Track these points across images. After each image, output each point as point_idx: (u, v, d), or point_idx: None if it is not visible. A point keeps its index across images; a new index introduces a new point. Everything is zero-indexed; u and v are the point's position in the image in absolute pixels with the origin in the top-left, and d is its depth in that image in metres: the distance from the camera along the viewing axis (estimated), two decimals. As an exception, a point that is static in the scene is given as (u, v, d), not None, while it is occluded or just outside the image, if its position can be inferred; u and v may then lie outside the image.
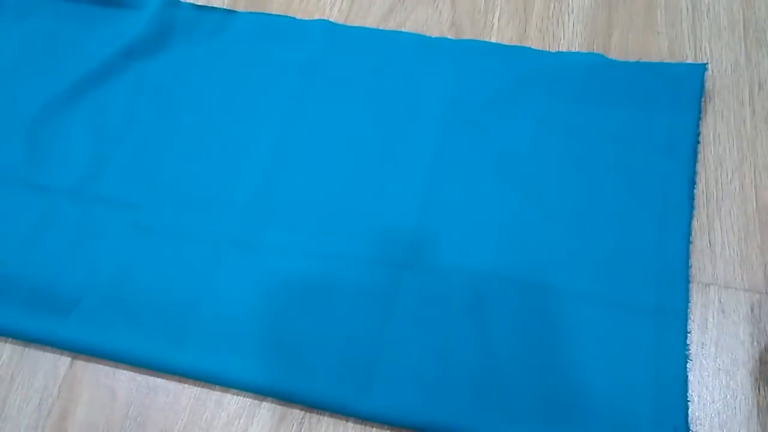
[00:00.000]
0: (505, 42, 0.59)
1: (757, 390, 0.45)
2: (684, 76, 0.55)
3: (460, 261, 0.50)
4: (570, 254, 0.50)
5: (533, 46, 0.59)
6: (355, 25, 0.61)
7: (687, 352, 0.46)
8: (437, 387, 0.46)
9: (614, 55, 0.57)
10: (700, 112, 0.54)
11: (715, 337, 0.47)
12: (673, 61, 0.57)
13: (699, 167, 0.52)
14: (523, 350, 0.47)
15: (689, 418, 0.44)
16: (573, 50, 0.58)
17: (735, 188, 0.52)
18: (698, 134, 0.53)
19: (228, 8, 0.63)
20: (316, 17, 0.62)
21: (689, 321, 0.47)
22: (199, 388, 0.48)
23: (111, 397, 0.48)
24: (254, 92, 0.59)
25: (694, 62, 0.56)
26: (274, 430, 0.47)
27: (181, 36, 0.62)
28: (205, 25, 0.62)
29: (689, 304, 0.48)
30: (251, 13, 0.63)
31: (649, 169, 0.52)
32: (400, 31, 0.60)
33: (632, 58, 0.57)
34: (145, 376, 0.49)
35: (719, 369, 0.46)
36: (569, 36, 0.59)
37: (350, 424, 0.46)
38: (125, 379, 0.49)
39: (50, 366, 0.50)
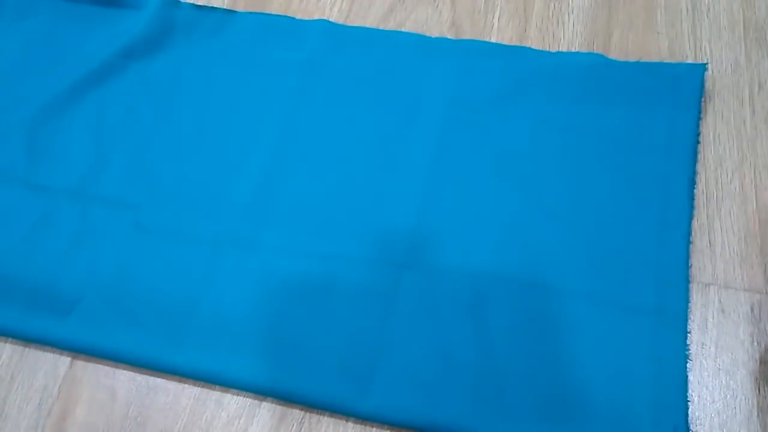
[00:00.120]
0: (505, 42, 0.59)
1: (757, 390, 0.45)
2: (684, 76, 0.55)
3: (460, 261, 0.50)
4: (570, 254, 0.50)
5: (533, 46, 0.59)
6: (355, 25, 0.61)
7: (687, 352, 0.46)
8: (437, 387, 0.46)
9: (614, 55, 0.57)
10: (700, 112, 0.54)
11: (715, 337, 0.47)
12: (673, 61, 0.57)
13: (699, 167, 0.52)
14: (523, 350, 0.47)
15: (689, 418, 0.44)
16: (573, 50, 0.58)
17: (735, 188, 0.52)
18: (698, 134, 0.53)
19: (228, 8, 0.63)
20: (316, 17, 0.62)
21: (689, 321, 0.47)
22: (199, 388, 0.48)
23: (111, 397, 0.48)
24: (254, 92, 0.59)
25: (694, 62, 0.56)
26: (274, 430, 0.47)
27: (181, 36, 0.62)
28: (205, 25, 0.62)
29: (689, 304, 0.48)
30: (251, 13, 0.63)
31: (649, 169, 0.52)
32: (400, 31, 0.60)
33: (632, 58, 0.57)
34: (145, 376, 0.49)
35: (719, 369, 0.46)
36: (569, 36, 0.59)
37: (350, 424, 0.46)
38: (125, 379, 0.49)
39: (50, 366, 0.50)
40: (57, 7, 0.64)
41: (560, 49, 0.59)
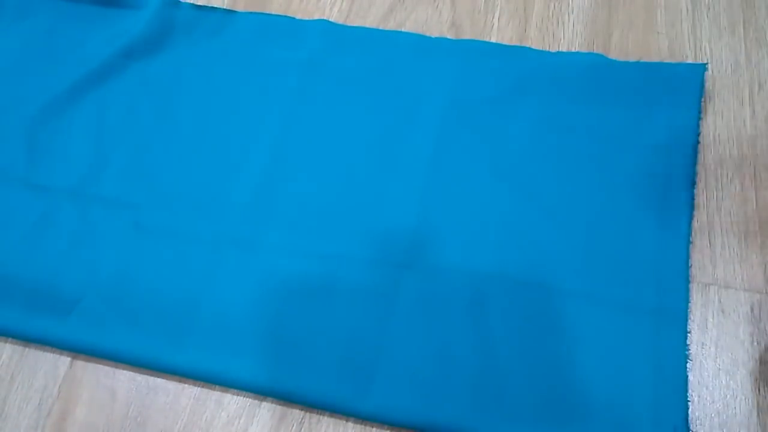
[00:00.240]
0: (505, 42, 0.59)
1: (757, 390, 0.45)
2: (684, 76, 0.55)
3: (460, 261, 0.50)
4: (570, 254, 0.50)
5: (533, 46, 0.59)
6: (355, 25, 0.61)
7: (687, 352, 0.46)
8: (437, 387, 0.46)
9: (614, 55, 0.57)
10: (700, 112, 0.54)
11: (715, 337, 0.47)
12: (673, 61, 0.57)
13: (699, 167, 0.52)
14: (523, 350, 0.47)
15: (689, 418, 0.44)
16: (573, 50, 0.58)
17: (735, 188, 0.52)
18: (698, 134, 0.53)
19: (228, 8, 0.63)
20: (316, 17, 0.62)
21: (689, 321, 0.47)
22: (199, 388, 0.48)
23: (111, 397, 0.48)
24: (254, 92, 0.59)
25: (694, 62, 0.56)
26: (274, 430, 0.47)
27: (181, 36, 0.62)
28: (205, 25, 0.62)
29: (689, 304, 0.48)
30: (251, 13, 0.63)
31: (649, 169, 0.52)
32: (400, 31, 0.60)
33: (632, 58, 0.57)
34: (145, 376, 0.49)
35: (719, 369, 0.46)
36: (569, 36, 0.59)
37: (350, 424, 0.46)
38: (125, 379, 0.49)
39: (50, 366, 0.50)
40: (57, 7, 0.64)
41: (560, 49, 0.59)
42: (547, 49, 0.59)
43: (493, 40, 0.60)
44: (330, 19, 0.61)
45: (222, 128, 0.57)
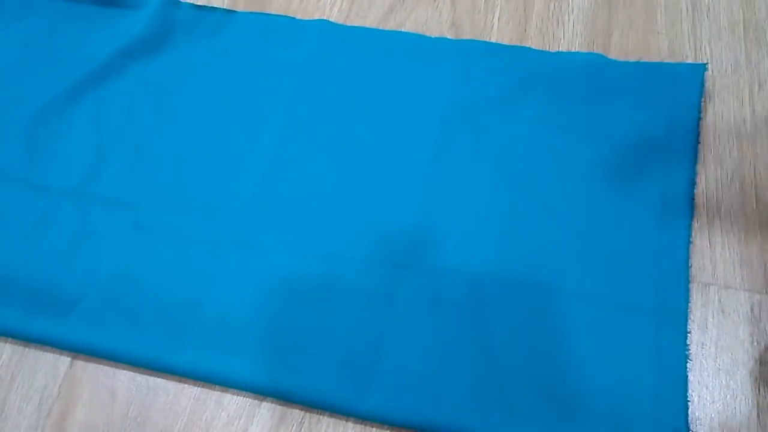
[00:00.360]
0: (505, 42, 0.59)
1: (757, 390, 0.45)
2: (684, 76, 0.55)
3: (460, 261, 0.50)
4: (570, 254, 0.50)
5: (533, 46, 0.59)
6: (355, 25, 0.61)
7: (687, 352, 0.46)
8: (437, 387, 0.46)
9: (614, 55, 0.57)
10: (700, 112, 0.54)
11: (715, 337, 0.47)
12: (673, 61, 0.57)
13: (699, 167, 0.52)
14: (523, 350, 0.47)
15: (689, 418, 0.44)
16: (573, 50, 0.58)
17: (735, 188, 0.52)
18: (698, 134, 0.53)
19: (228, 8, 0.63)
20: (316, 17, 0.62)
21: (689, 321, 0.47)
22: (199, 388, 0.48)
23: (111, 397, 0.48)
24: (254, 92, 0.59)
25: (694, 62, 0.56)
26: (274, 430, 0.47)
27: (181, 36, 0.62)
28: (205, 25, 0.62)
29: (689, 304, 0.48)
30: (251, 13, 0.63)
31: (649, 170, 0.52)
32: (400, 31, 0.60)
33: (632, 58, 0.57)
34: (145, 376, 0.49)
35: (719, 369, 0.46)
36: (569, 36, 0.59)
37: (350, 424, 0.46)
38: (125, 379, 0.49)
39: (50, 366, 0.50)
40: (57, 7, 0.64)
41: (560, 49, 0.59)
42: (547, 49, 0.59)
43: (493, 40, 0.60)
44: (330, 19, 0.61)
45: (222, 128, 0.57)
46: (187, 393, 0.48)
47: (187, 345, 0.48)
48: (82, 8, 0.64)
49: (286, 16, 0.62)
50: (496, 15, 0.61)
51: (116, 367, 0.49)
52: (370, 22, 0.62)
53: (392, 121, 0.56)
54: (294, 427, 0.47)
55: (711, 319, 0.48)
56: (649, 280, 0.48)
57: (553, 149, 0.54)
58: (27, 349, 0.50)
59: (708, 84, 0.55)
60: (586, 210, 0.51)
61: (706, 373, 0.46)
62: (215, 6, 0.64)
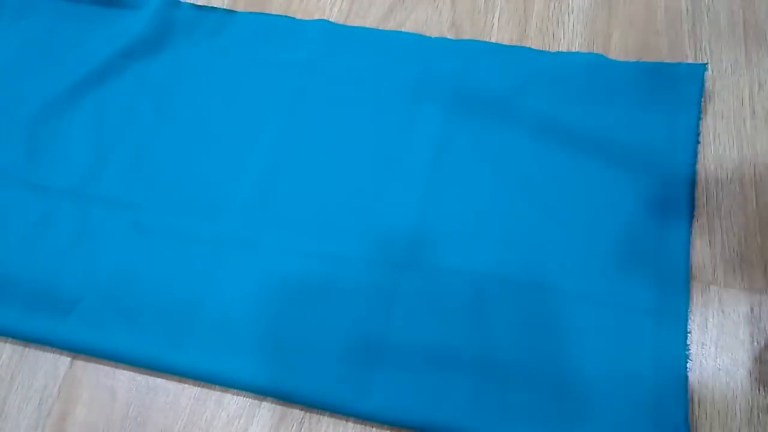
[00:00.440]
0: (505, 42, 0.59)
1: (757, 390, 0.45)
2: (684, 76, 0.55)
3: (460, 261, 0.50)
4: (570, 254, 0.50)
5: (533, 46, 0.59)
6: (355, 25, 0.61)
7: (687, 352, 0.46)
8: (437, 387, 0.46)
9: (614, 55, 0.57)
10: (700, 112, 0.54)
11: (715, 337, 0.47)
12: (673, 61, 0.57)
13: (699, 167, 0.52)
14: (523, 350, 0.47)
15: (689, 418, 0.44)
16: (573, 50, 0.58)
17: (735, 188, 0.52)
18: (698, 134, 0.53)
19: (228, 8, 0.63)
20: (316, 17, 0.62)
21: (689, 321, 0.47)
22: (199, 388, 0.48)
23: (111, 397, 0.48)
24: (254, 92, 0.59)
25: (694, 62, 0.56)
26: (274, 430, 0.47)
27: (181, 36, 0.62)
28: (205, 25, 0.62)
29: (689, 304, 0.48)
30: (251, 13, 0.63)
31: (649, 170, 0.52)
32: (400, 31, 0.60)
33: (632, 58, 0.57)
34: (145, 376, 0.49)
35: (719, 369, 0.46)
36: (569, 36, 0.59)
37: (350, 424, 0.46)
38: (125, 379, 0.49)
39: (50, 366, 0.50)
40: (57, 7, 0.64)
41: (560, 49, 0.59)
42: (547, 49, 0.59)
43: (493, 40, 0.60)
44: (330, 19, 0.61)
45: (222, 128, 0.57)
46: (187, 393, 0.48)
47: (187, 345, 0.48)
48: (82, 8, 0.64)
49: (286, 16, 0.62)
50: (496, 15, 0.61)
51: (116, 367, 0.49)
52: (370, 22, 0.62)
53: (392, 121, 0.56)
54: (294, 427, 0.47)
55: (711, 319, 0.48)
56: (649, 280, 0.48)
57: (553, 149, 0.54)
58: (27, 349, 0.51)
59: (708, 84, 0.55)
60: (585, 209, 0.51)
61: (706, 373, 0.46)
62: (215, 6, 0.64)
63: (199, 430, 0.47)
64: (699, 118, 0.53)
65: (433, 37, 0.60)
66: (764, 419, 0.44)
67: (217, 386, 0.48)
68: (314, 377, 0.47)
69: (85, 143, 0.57)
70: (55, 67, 0.61)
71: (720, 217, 0.51)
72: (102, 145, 0.57)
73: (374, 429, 0.46)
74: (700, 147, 0.53)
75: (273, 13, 0.63)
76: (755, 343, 0.47)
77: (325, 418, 0.47)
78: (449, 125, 0.55)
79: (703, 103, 0.54)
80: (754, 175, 0.52)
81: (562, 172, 0.53)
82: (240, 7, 0.64)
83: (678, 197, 0.51)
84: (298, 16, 0.62)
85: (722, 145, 0.53)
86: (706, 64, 0.56)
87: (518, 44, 0.59)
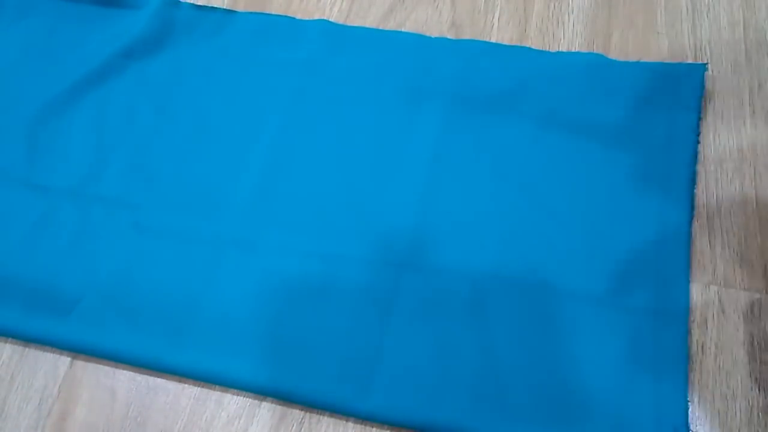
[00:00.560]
0: (505, 42, 0.59)
1: (756, 390, 0.45)
2: (684, 76, 0.55)
3: (460, 261, 0.50)
4: (570, 254, 0.50)
5: (533, 46, 0.59)
6: (355, 25, 0.61)
7: (687, 352, 0.46)
8: (437, 387, 0.46)
9: (614, 55, 0.57)
10: (700, 112, 0.54)
11: (715, 337, 0.47)
12: (673, 61, 0.57)
13: (699, 167, 0.52)
14: (523, 350, 0.47)
15: (689, 418, 0.44)
16: (573, 50, 0.58)
17: (735, 188, 0.52)
18: (698, 134, 0.53)
19: (228, 8, 0.63)
20: (316, 17, 0.62)
21: (689, 321, 0.47)
22: (199, 388, 0.48)
23: (111, 397, 0.48)
24: (254, 92, 0.59)
25: (694, 62, 0.56)
26: (274, 430, 0.47)
27: (181, 36, 0.62)
28: (205, 25, 0.62)
29: (689, 304, 0.48)
30: (251, 13, 0.63)
31: (649, 169, 0.52)
32: (400, 31, 0.60)
33: (632, 58, 0.57)
34: (145, 376, 0.49)
35: (719, 369, 0.46)
36: (569, 36, 0.59)
37: (350, 424, 0.46)
38: (125, 379, 0.49)
39: (50, 366, 0.50)
40: (57, 7, 0.64)
41: (560, 49, 0.59)
42: (547, 49, 0.59)
43: (493, 40, 0.60)
44: (330, 19, 0.61)
45: (222, 128, 0.57)
46: (187, 393, 0.48)
47: (186, 345, 0.48)
48: (82, 8, 0.64)
49: (286, 16, 0.62)
50: (496, 15, 0.61)
51: (116, 367, 0.49)
52: (370, 22, 0.62)
53: (392, 121, 0.56)
54: (294, 427, 0.47)
55: (711, 319, 0.48)
56: (649, 280, 0.48)
57: (553, 149, 0.54)
58: (27, 349, 0.51)
59: (708, 84, 0.55)
60: (585, 210, 0.51)
61: (706, 373, 0.46)
62: (215, 6, 0.64)
63: (199, 430, 0.47)
64: (699, 118, 0.54)
65: (433, 37, 0.60)
66: (764, 419, 0.44)
67: (217, 386, 0.48)
68: (314, 377, 0.47)
69: (85, 143, 0.57)
70: (55, 67, 0.61)
71: (720, 217, 0.51)
72: (102, 145, 0.57)
73: (374, 429, 0.46)
74: (700, 147, 0.53)
75: (273, 13, 0.63)
76: (755, 343, 0.47)
77: (325, 418, 0.47)
78: (449, 125, 0.55)
79: (703, 103, 0.54)
80: (754, 175, 0.52)
81: (562, 172, 0.53)
82: (240, 7, 0.64)
83: (678, 197, 0.51)
84: (298, 16, 0.62)
85: (722, 145, 0.53)
86: (706, 64, 0.56)
87: (518, 44, 0.59)
